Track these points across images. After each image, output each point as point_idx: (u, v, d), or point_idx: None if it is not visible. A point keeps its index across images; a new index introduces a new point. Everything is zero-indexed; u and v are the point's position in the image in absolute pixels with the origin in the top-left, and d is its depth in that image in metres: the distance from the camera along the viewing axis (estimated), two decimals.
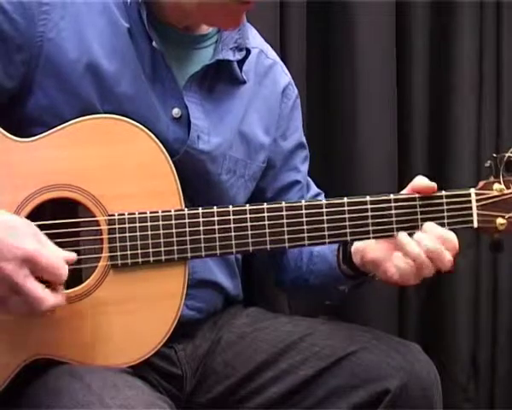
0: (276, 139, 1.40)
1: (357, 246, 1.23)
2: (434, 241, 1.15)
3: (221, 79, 1.30)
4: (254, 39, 1.38)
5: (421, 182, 1.20)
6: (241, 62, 1.31)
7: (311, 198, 1.44)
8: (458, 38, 2.02)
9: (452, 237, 1.16)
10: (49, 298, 1.00)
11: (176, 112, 1.23)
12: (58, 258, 1.02)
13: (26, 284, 0.99)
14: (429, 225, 1.17)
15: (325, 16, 1.93)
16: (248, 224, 1.14)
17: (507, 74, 2.08)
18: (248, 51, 1.31)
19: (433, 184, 1.20)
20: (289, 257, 1.40)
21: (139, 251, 1.11)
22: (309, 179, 1.48)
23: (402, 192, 1.21)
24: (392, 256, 1.17)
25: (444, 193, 1.19)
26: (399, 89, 1.99)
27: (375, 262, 1.19)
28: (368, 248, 1.21)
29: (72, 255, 1.05)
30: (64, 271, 1.02)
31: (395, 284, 1.19)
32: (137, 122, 1.14)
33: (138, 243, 1.11)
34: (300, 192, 1.43)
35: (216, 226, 1.13)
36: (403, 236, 1.17)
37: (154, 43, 1.19)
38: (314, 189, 1.47)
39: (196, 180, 1.24)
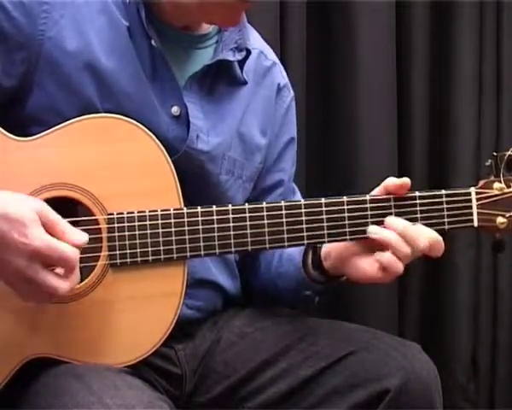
0: (270, 140, 1.40)
1: (324, 248, 1.23)
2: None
3: (221, 80, 1.30)
4: (255, 40, 1.39)
5: (391, 181, 1.18)
6: (241, 63, 1.31)
7: None
8: (458, 37, 2.03)
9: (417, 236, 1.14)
10: (63, 286, 1.00)
11: (175, 110, 1.23)
12: (68, 249, 1.00)
13: (38, 275, 0.99)
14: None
15: (325, 16, 1.93)
16: (247, 223, 1.14)
17: (507, 74, 2.08)
18: (249, 52, 1.31)
19: (403, 181, 1.17)
20: (261, 259, 1.40)
21: (138, 250, 1.11)
22: (294, 186, 1.48)
23: (372, 192, 1.19)
24: (372, 252, 1.16)
25: (444, 192, 1.18)
26: (399, 89, 2.00)
27: (347, 258, 1.19)
28: (335, 246, 1.20)
29: (84, 238, 1.03)
30: (75, 259, 1.01)
31: (372, 282, 1.18)
32: (137, 120, 1.14)
33: (137, 242, 1.11)
34: (282, 196, 1.42)
35: (215, 225, 1.13)
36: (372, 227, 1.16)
37: (152, 42, 1.19)
38: (298, 195, 1.47)
39: (195, 180, 1.23)
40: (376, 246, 1.16)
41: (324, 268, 1.24)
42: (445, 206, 1.18)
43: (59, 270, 1.01)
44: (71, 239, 1.01)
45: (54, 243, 1.00)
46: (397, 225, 1.15)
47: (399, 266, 1.13)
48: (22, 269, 0.98)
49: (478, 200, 1.18)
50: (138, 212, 1.11)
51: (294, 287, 1.31)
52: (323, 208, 1.16)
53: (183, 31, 1.26)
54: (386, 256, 1.14)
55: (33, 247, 0.98)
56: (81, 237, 1.03)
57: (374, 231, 1.16)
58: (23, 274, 0.99)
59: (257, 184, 1.40)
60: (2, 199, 1.01)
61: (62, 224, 1.02)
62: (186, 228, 1.12)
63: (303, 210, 1.15)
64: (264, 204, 1.15)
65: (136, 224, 1.11)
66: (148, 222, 1.11)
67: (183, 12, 1.21)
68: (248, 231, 1.14)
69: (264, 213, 1.14)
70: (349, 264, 1.19)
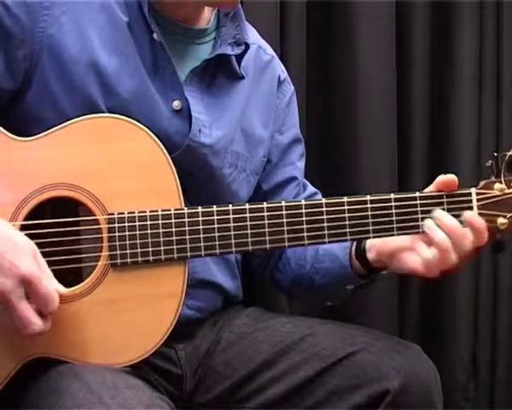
0: (273, 134, 1.41)
1: (373, 240, 1.21)
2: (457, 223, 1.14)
3: (221, 75, 1.30)
4: (253, 36, 1.40)
5: (441, 178, 1.19)
6: (239, 57, 1.31)
7: (308, 197, 1.44)
8: (458, 37, 2.02)
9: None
10: (37, 325, 1.01)
11: (176, 104, 1.23)
12: (53, 289, 1.02)
13: (20, 304, 1.00)
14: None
15: (325, 16, 1.93)
16: (248, 223, 1.14)
17: (507, 74, 2.08)
18: (247, 46, 1.31)
19: (451, 177, 1.18)
20: (289, 256, 1.40)
21: (139, 250, 1.11)
22: (304, 179, 1.48)
23: (426, 189, 1.19)
24: (417, 246, 1.15)
25: (444, 192, 1.18)
26: (399, 89, 1.99)
27: (395, 252, 1.18)
28: (388, 239, 1.19)
29: (63, 290, 1.05)
30: (56, 304, 1.02)
31: (417, 275, 1.18)
32: (139, 116, 1.14)
33: (138, 242, 1.11)
34: (297, 189, 1.43)
35: (215, 226, 1.13)
36: (430, 224, 1.15)
37: (154, 35, 1.20)
38: (310, 188, 1.48)
39: (198, 174, 1.24)
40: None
41: (367, 259, 1.24)
42: (446, 206, 1.17)
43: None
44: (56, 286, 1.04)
45: (45, 276, 1.01)
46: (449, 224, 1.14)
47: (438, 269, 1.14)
48: (7, 291, 0.99)
49: (478, 200, 1.18)
50: (139, 212, 1.11)
51: (336, 282, 1.32)
52: (324, 209, 1.16)
53: (181, 22, 1.26)
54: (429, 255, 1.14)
55: (24, 272, 0.99)
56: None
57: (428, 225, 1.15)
58: (7, 298, 0.99)
59: (269, 181, 1.41)
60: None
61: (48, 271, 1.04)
62: (187, 228, 1.12)
63: (303, 210, 1.15)
64: (265, 204, 1.15)
65: (137, 224, 1.11)
66: (148, 222, 1.11)
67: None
68: (249, 231, 1.14)
69: (265, 214, 1.15)
70: (398, 257, 1.18)
